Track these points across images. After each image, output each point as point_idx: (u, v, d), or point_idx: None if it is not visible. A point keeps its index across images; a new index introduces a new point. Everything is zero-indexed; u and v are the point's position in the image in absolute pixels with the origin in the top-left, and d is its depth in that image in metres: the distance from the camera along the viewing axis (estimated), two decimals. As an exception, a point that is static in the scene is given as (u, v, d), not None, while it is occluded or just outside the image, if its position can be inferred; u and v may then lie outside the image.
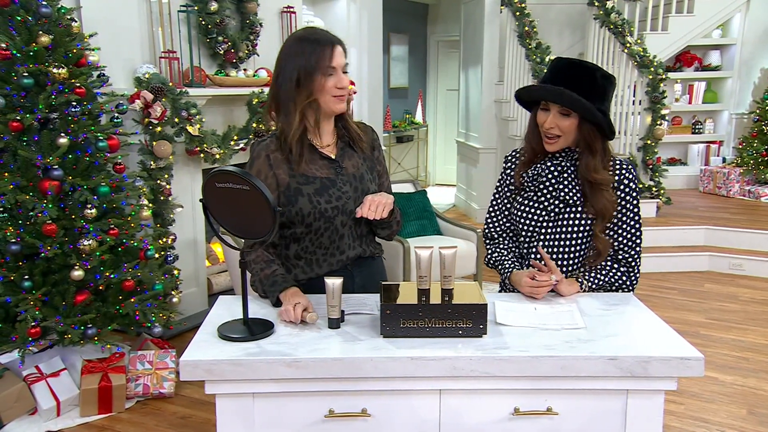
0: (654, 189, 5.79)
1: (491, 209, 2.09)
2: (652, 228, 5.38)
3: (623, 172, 1.89)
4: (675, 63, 7.08)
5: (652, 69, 5.67)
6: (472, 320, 1.54)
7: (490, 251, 2.07)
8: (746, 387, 3.18)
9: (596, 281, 1.91)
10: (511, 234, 2.05)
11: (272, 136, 1.88)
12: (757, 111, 6.57)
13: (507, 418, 1.52)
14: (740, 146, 6.68)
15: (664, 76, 5.68)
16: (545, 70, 1.91)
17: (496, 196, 2.09)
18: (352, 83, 1.99)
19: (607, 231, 1.91)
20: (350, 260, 1.93)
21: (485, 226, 2.11)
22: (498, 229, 2.07)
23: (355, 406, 1.50)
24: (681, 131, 7.21)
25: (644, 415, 1.51)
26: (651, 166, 5.81)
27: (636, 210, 1.91)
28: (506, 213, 2.05)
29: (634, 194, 1.90)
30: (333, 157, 1.89)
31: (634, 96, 5.92)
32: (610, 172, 1.88)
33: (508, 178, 2.04)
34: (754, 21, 6.77)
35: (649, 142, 5.79)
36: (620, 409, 1.51)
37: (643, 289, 4.66)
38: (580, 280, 1.89)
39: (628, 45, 5.86)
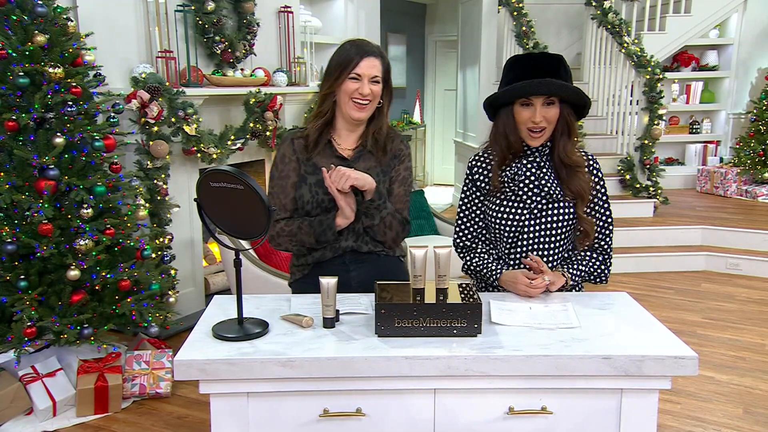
0: (651, 189, 5.79)
1: (461, 218, 2.06)
2: (649, 228, 5.39)
3: (591, 162, 1.97)
4: (672, 63, 7.09)
5: (650, 69, 5.67)
6: (466, 319, 1.54)
7: (467, 258, 2.05)
8: (742, 386, 3.18)
9: (578, 272, 1.94)
10: (485, 239, 2.04)
11: (302, 128, 2.05)
12: (754, 111, 6.57)
13: (502, 417, 1.52)
14: (737, 146, 6.69)
15: (661, 76, 5.68)
16: (508, 71, 1.92)
17: (464, 205, 2.05)
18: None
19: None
20: (343, 250, 1.98)
21: (456, 237, 2.08)
22: (470, 236, 2.05)
23: (350, 405, 1.50)
24: (678, 131, 7.22)
25: (638, 414, 1.51)
26: (648, 166, 5.82)
27: (605, 198, 1.98)
28: (478, 219, 2.03)
29: (602, 182, 1.98)
30: (346, 157, 1.98)
31: (631, 96, 5.93)
32: (580, 154, 1.94)
33: (477, 182, 2.02)
34: (752, 21, 6.78)
35: (646, 141, 5.79)
36: (615, 408, 1.51)
37: (639, 288, 4.66)
38: (564, 274, 1.90)
39: (625, 45, 5.87)
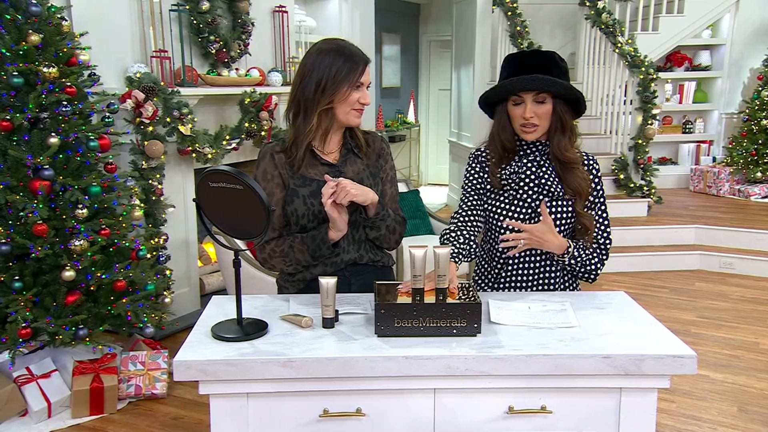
0: (645, 188, 5.82)
1: (462, 211, 1.99)
2: (643, 227, 5.41)
3: (590, 161, 1.97)
4: (665, 63, 7.12)
5: (643, 69, 5.70)
6: (466, 319, 1.54)
7: (452, 233, 1.94)
8: (737, 384, 3.20)
9: (580, 253, 1.91)
10: (471, 233, 1.95)
11: (280, 139, 1.94)
12: (747, 111, 6.61)
13: (501, 416, 1.52)
14: (730, 146, 6.73)
15: (654, 76, 5.71)
16: (502, 70, 1.91)
17: (467, 195, 1.99)
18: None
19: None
20: (345, 264, 1.93)
21: (450, 227, 1.98)
22: (462, 216, 1.97)
23: (350, 405, 1.50)
24: (671, 131, 7.26)
25: (637, 413, 1.51)
26: (642, 166, 5.84)
27: (603, 195, 1.98)
28: (474, 201, 1.98)
29: (601, 184, 1.98)
30: (332, 162, 1.92)
31: (625, 96, 5.95)
32: (578, 154, 1.93)
33: (480, 171, 1.98)
34: (744, 21, 6.82)
35: (640, 141, 5.82)
36: (614, 407, 1.51)
37: (634, 287, 4.68)
38: (569, 242, 1.88)
39: (619, 45, 5.89)
